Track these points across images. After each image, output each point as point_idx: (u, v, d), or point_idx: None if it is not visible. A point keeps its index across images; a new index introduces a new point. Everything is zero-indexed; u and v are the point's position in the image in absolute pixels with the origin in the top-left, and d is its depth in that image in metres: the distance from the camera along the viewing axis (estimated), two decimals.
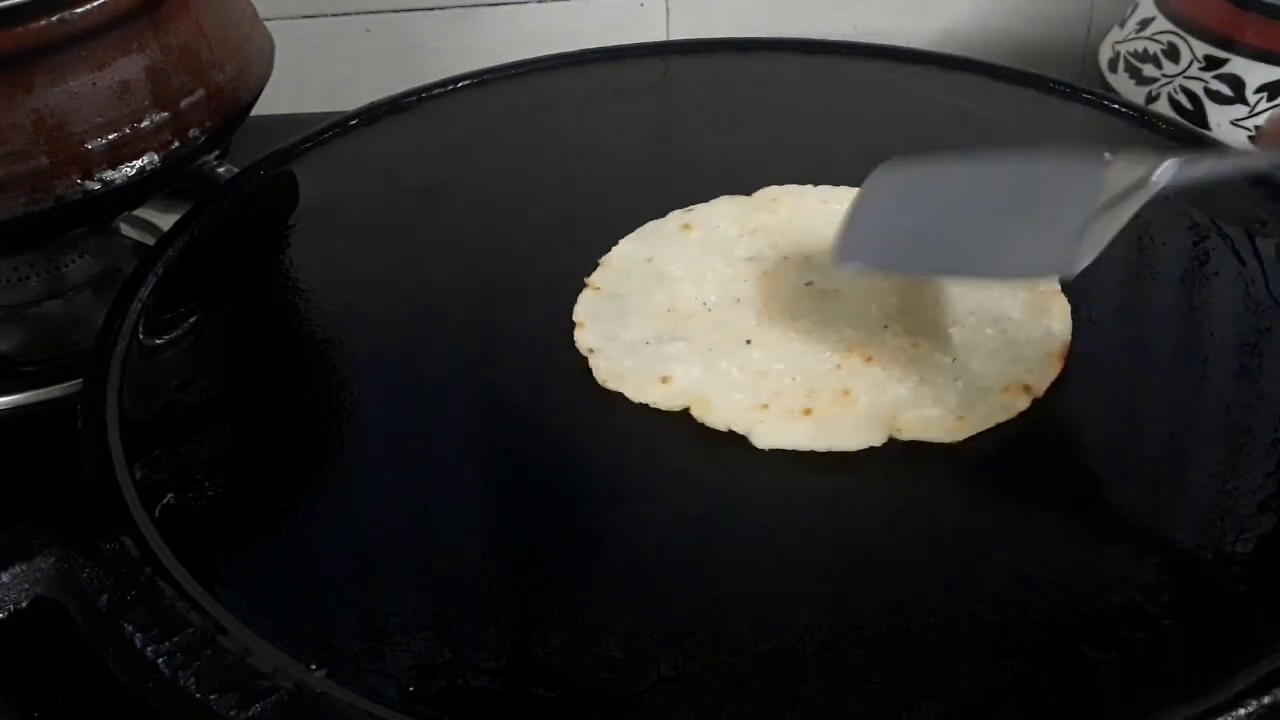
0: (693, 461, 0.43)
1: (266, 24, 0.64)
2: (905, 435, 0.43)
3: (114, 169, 0.53)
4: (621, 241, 0.53)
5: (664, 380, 0.45)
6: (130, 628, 0.36)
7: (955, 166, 0.47)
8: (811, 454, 0.43)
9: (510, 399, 0.46)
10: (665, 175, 0.61)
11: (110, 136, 0.53)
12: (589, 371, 0.47)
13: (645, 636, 0.37)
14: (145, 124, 0.54)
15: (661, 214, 0.55)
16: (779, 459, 0.43)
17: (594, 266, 0.52)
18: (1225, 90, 0.67)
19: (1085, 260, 0.41)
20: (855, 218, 0.47)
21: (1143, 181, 0.41)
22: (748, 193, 0.56)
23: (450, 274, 0.53)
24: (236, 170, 0.60)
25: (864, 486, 0.42)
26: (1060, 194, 0.43)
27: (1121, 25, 0.76)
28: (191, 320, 0.50)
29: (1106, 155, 0.44)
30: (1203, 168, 0.42)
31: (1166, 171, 0.41)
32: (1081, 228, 0.41)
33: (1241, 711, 0.33)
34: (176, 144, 0.55)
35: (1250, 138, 0.42)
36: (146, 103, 0.54)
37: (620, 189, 0.59)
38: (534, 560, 0.40)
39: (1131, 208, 0.41)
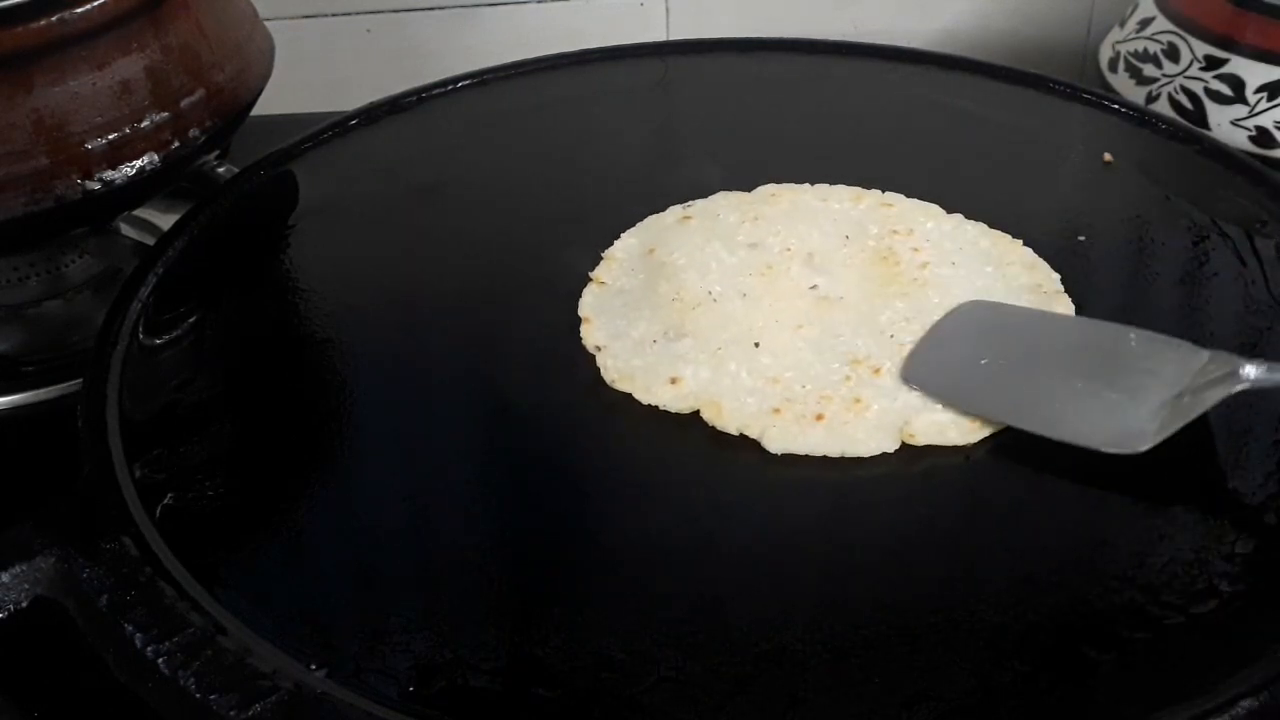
0: (698, 462, 0.44)
1: (266, 24, 0.63)
2: (920, 441, 0.43)
3: (114, 169, 0.53)
4: (623, 235, 0.53)
5: (673, 381, 0.45)
6: (130, 628, 0.36)
7: (1048, 316, 0.47)
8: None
9: (512, 398, 0.46)
10: (665, 175, 0.61)
11: (110, 136, 0.53)
12: (593, 369, 0.47)
13: (645, 636, 0.37)
14: (145, 124, 0.54)
15: (662, 211, 0.55)
16: (784, 459, 0.43)
17: (595, 264, 0.52)
18: (1225, 90, 0.67)
19: (1154, 440, 0.41)
20: (931, 342, 0.46)
21: (1229, 377, 0.41)
22: (746, 189, 0.56)
23: (451, 273, 0.53)
24: (236, 170, 0.60)
25: (865, 487, 0.42)
26: (1142, 372, 0.43)
27: (1121, 25, 0.76)
28: (191, 320, 0.50)
29: (1206, 352, 0.43)
30: None
31: (1253, 371, 0.41)
32: (1158, 410, 0.42)
33: (1241, 711, 0.33)
34: (176, 144, 0.55)
35: None
36: (146, 103, 0.54)
37: (620, 189, 0.59)
38: (534, 561, 0.40)
39: (1210, 400, 0.41)
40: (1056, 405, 0.43)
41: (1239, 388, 0.41)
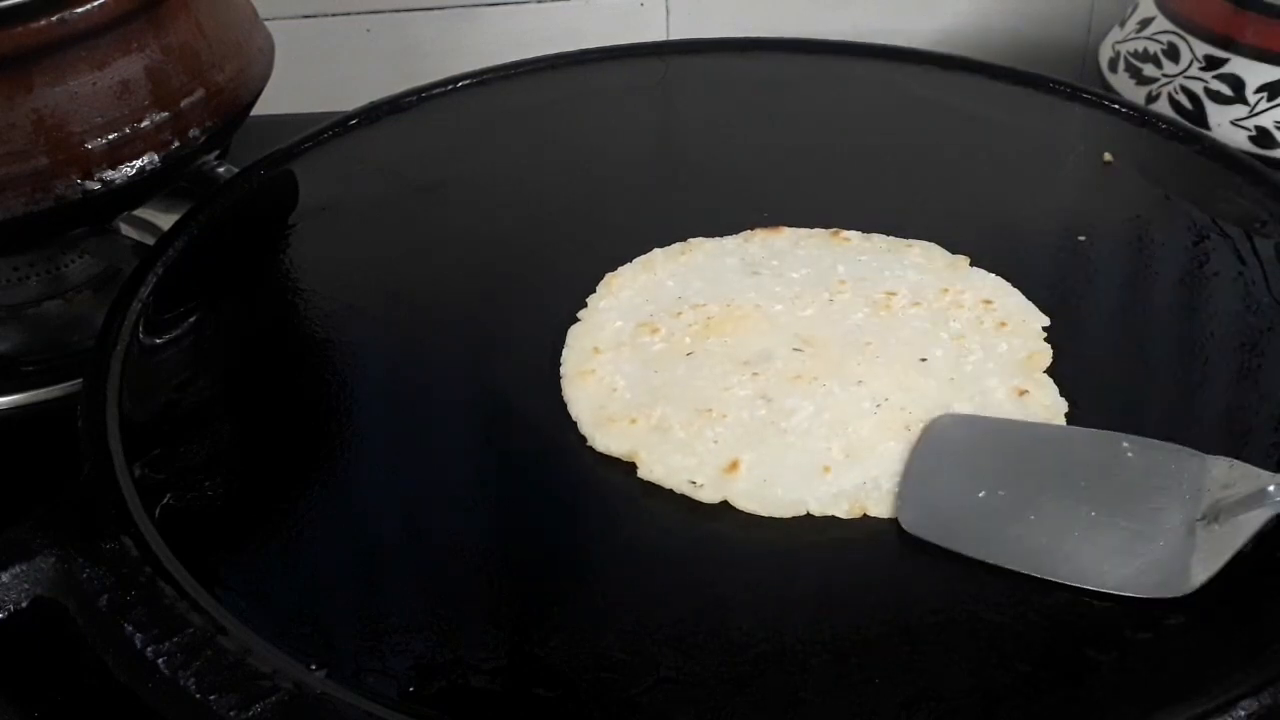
0: None
1: (266, 24, 0.63)
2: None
3: (114, 169, 0.53)
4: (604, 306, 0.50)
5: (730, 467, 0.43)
6: (130, 628, 0.36)
7: (1026, 431, 0.43)
8: None
9: (512, 398, 0.46)
10: (665, 175, 0.61)
11: (110, 136, 0.53)
12: None
13: (645, 636, 0.37)
14: (145, 124, 0.54)
15: (662, 211, 0.55)
16: None
17: (596, 264, 0.52)
18: (1225, 90, 0.67)
19: (1197, 582, 0.37)
20: (917, 475, 0.42)
21: (1259, 494, 0.38)
22: (746, 189, 0.56)
23: (450, 274, 0.53)
24: (236, 170, 0.60)
25: None
26: (1153, 490, 0.40)
27: (1121, 25, 0.76)
28: (191, 320, 0.50)
29: (1211, 459, 0.40)
30: None
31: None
32: (1185, 537, 0.38)
33: (1241, 711, 0.33)
34: (176, 144, 0.55)
35: None
36: (146, 103, 0.54)
37: (620, 189, 0.59)
38: (534, 560, 0.40)
39: (1246, 529, 0.37)
40: (1077, 546, 0.39)
41: (1273, 510, 0.37)
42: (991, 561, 0.39)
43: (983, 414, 0.44)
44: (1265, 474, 0.39)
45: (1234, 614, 0.37)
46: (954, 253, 0.52)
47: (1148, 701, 0.34)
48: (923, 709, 0.34)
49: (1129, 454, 0.41)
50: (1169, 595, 0.37)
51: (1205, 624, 0.37)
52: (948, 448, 0.43)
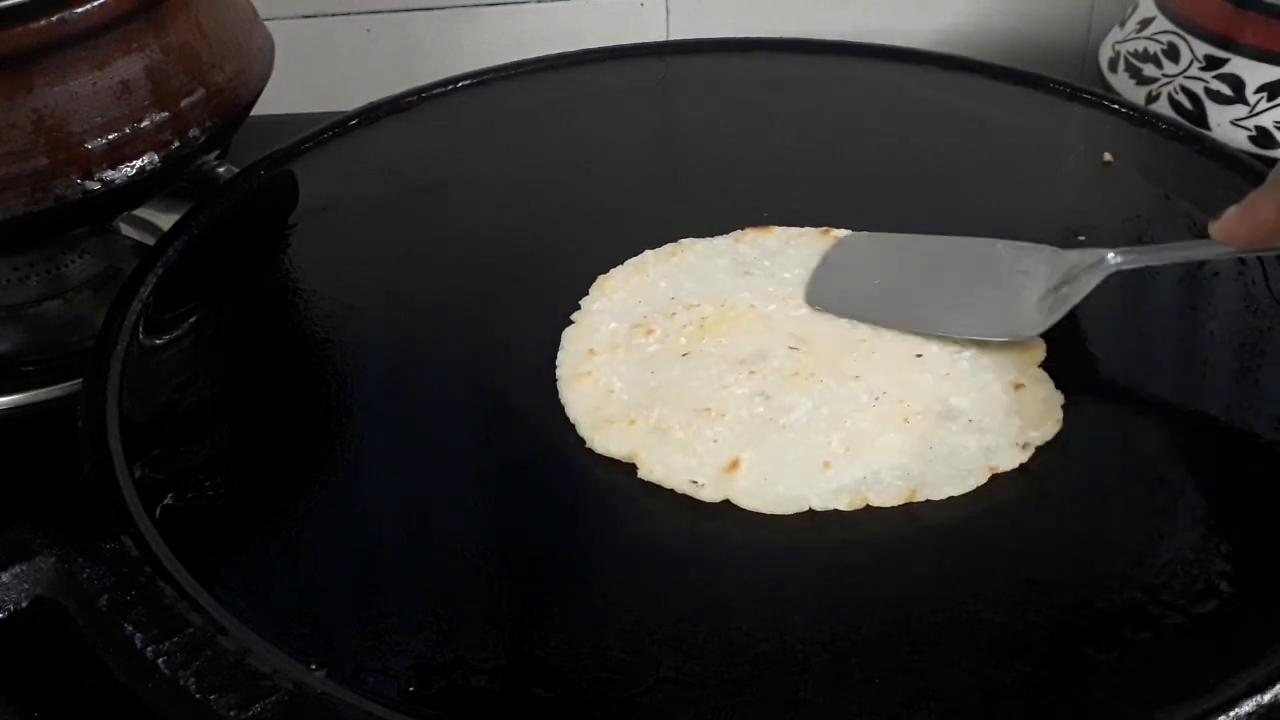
0: None
1: (266, 24, 0.63)
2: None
3: (114, 169, 0.53)
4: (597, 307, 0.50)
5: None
6: (130, 628, 0.36)
7: (921, 239, 0.52)
8: None
9: (511, 398, 0.46)
10: (665, 175, 0.61)
11: (110, 136, 0.53)
12: None
13: (645, 636, 0.37)
14: (145, 124, 0.54)
15: (662, 211, 0.55)
16: None
17: (596, 264, 0.52)
18: (1225, 90, 0.67)
19: (1041, 328, 0.46)
20: (825, 272, 0.51)
21: (1098, 264, 0.47)
22: (746, 189, 0.56)
23: (450, 274, 0.53)
24: (236, 170, 0.60)
25: None
26: (1018, 273, 0.49)
27: (1121, 25, 0.76)
28: (191, 320, 0.50)
29: (1062, 250, 0.49)
30: (1151, 257, 0.47)
31: (1118, 257, 0.47)
32: (1039, 303, 0.47)
33: (1241, 711, 0.33)
34: (176, 144, 0.55)
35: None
36: (146, 103, 0.54)
37: (620, 189, 0.59)
38: (534, 560, 0.40)
39: (1086, 286, 0.46)
40: (950, 309, 0.48)
41: (1107, 272, 0.46)
42: (883, 324, 0.47)
43: (980, 406, 0.44)
44: (1104, 251, 0.47)
45: (1234, 614, 0.37)
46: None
47: (1148, 701, 0.34)
48: (923, 709, 0.34)
49: (1002, 250, 0.50)
50: (1020, 338, 0.46)
51: (1205, 624, 0.37)
52: (854, 254, 0.52)
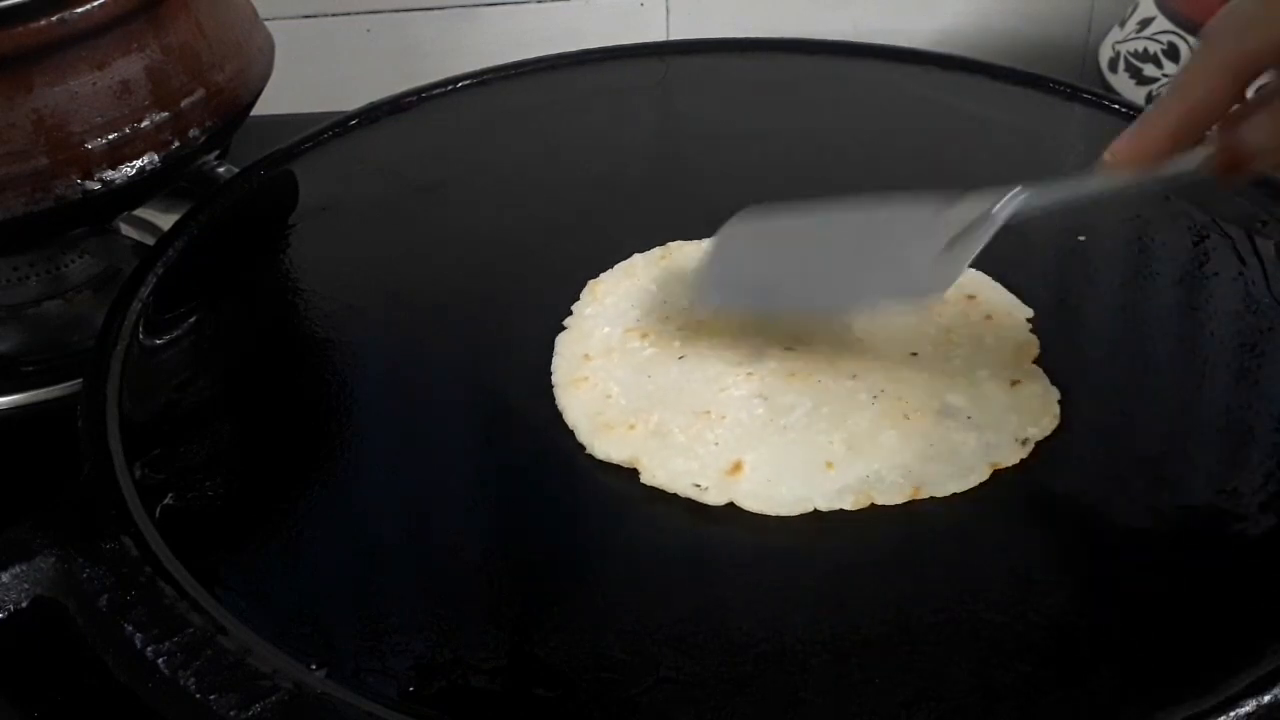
0: None
1: (266, 24, 0.64)
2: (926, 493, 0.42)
3: (114, 169, 0.53)
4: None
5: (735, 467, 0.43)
6: (130, 628, 0.36)
7: (805, 215, 0.49)
8: None
9: (512, 399, 0.46)
10: (665, 175, 0.61)
11: (110, 136, 0.53)
12: None
13: (645, 636, 0.37)
14: (145, 124, 0.54)
15: (663, 211, 0.55)
16: None
17: (597, 264, 0.52)
18: None
19: (942, 287, 0.45)
20: (715, 261, 0.49)
21: (986, 215, 0.44)
22: (747, 189, 0.56)
23: (450, 274, 0.53)
24: (236, 170, 0.60)
25: None
26: (907, 234, 0.46)
27: (1121, 25, 0.76)
28: (191, 320, 0.50)
29: (950, 201, 0.46)
30: (1042, 198, 0.43)
31: (1007, 206, 0.43)
32: (932, 260, 0.45)
33: (1241, 711, 0.33)
34: (176, 144, 0.55)
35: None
36: (146, 103, 0.54)
37: (620, 189, 0.59)
38: (534, 560, 0.40)
39: (982, 238, 0.43)
40: (846, 283, 0.47)
41: (999, 224, 0.43)
42: (787, 308, 0.47)
43: (978, 403, 0.44)
44: (992, 200, 0.44)
45: (1233, 614, 0.37)
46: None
47: (1148, 701, 0.34)
48: (923, 709, 0.34)
49: (889, 213, 0.47)
50: (921, 300, 0.47)
51: (1205, 624, 0.37)
52: (739, 237, 0.49)
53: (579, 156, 0.61)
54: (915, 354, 0.47)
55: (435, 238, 0.56)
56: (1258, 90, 0.39)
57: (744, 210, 0.50)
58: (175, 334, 0.50)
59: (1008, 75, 0.65)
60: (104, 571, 0.38)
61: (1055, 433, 0.43)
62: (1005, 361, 0.46)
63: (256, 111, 0.61)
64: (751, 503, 0.41)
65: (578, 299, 0.50)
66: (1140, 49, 0.72)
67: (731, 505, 0.41)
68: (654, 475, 0.42)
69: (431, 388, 0.47)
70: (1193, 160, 0.40)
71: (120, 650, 0.36)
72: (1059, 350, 0.47)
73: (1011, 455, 0.42)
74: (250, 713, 0.34)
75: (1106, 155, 0.41)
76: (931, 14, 0.88)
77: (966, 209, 0.45)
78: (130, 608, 0.36)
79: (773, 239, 0.49)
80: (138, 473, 0.42)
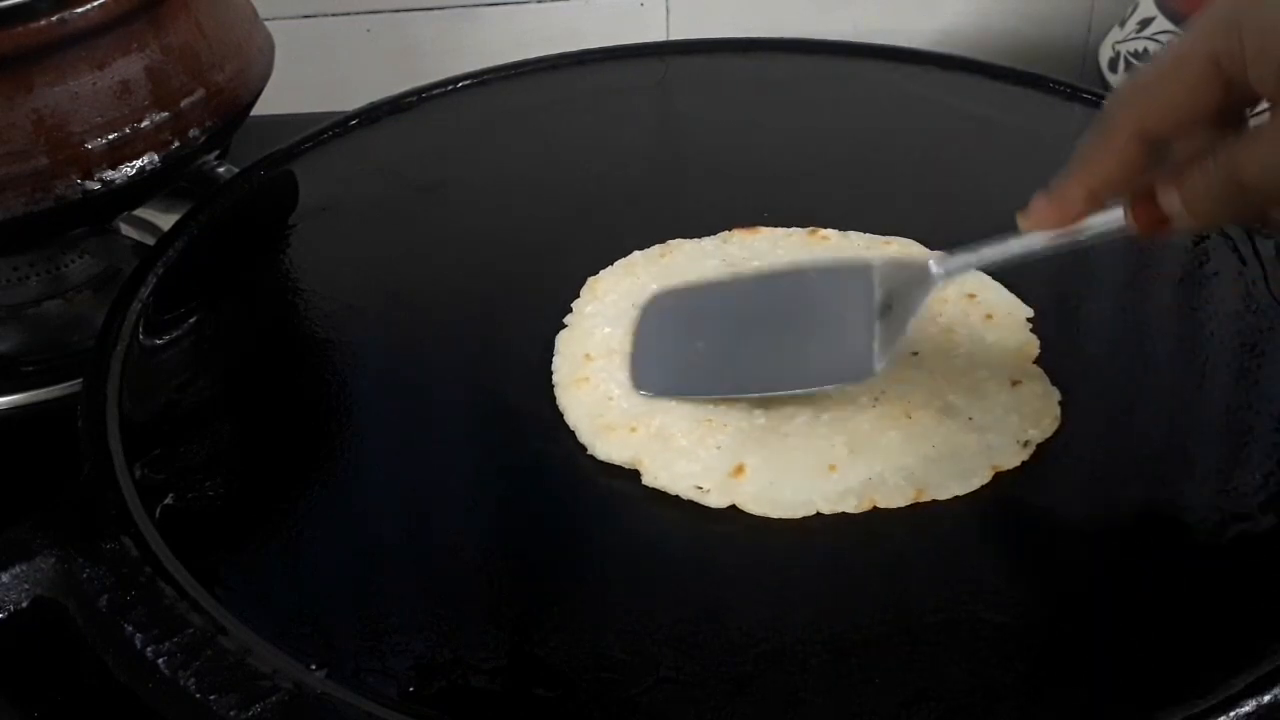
0: None
1: (266, 24, 0.64)
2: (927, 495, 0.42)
3: (114, 169, 0.53)
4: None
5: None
6: (130, 628, 0.36)
7: (727, 289, 0.48)
8: None
9: (512, 399, 0.46)
10: (665, 176, 0.61)
11: (110, 136, 0.53)
12: None
13: (645, 636, 0.37)
14: (145, 124, 0.54)
15: (662, 210, 0.55)
16: None
17: (597, 264, 0.52)
18: None
19: (880, 363, 0.43)
20: (642, 346, 0.47)
21: (923, 276, 0.43)
22: (747, 189, 0.56)
23: (450, 274, 0.53)
24: (236, 170, 0.60)
25: None
26: (838, 299, 0.45)
27: (1121, 25, 0.76)
28: (191, 320, 0.50)
29: (877, 261, 0.45)
30: (973, 259, 0.43)
31: (940, 267, 0.43)
32: (867, 328, 0.43)
33: (1241, 711, 0.33)
34: (176, 144, 0.55)
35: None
36: (146, 103, 0.54)
37: (620, 189, 0.59)
38: (534, 560, 0.40)
39: (920, 300, 0.43)
40: (780, 364, 0.45)
41: (935, 286, 0.43)
42: (718, 397, 0.44)
43: (979, 404, 0.44)
44: (922, 260, 0.43)
45: (1233, 614, 0.37)
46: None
47: (1148, 701, 0.34)
48: (923, 709, 0.34)
49: (813, 276, 0.47)
50: (858, 381, 0.43)
51: (1205, 624, 0.37)
52: (664, 318, 0.48)
53: (579, 156, 0.61)
54: (916, 353, 0.47)
55: (435, 238, 0.56)
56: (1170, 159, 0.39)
57: (659, 292, 0.49)
58: (175, 334, 0.50)
59: (1008, 75, 0.65)
60: (104, 571, 0.38)
61: (1055, 434, 0.43)
62: (1006, 361, 0.46)
63: (256, 111, 0.61)
64: (754, 505, 0.41)
65: (578, 297, 0.50)
66: (1140, 49, 0.72)
67: (733, 507, 0.41)
68: (656, 477, 0.42)
69: (431, 388, 0.47)
70: (1113, 220, 0.40)
71: (120, 650, 0.36)
72: (1059, 350, 0.47)
73: (1013, 457, 0.42)
74: (250, 713, 0.34)
75: (1023, 222, 0.41)
76: (931, 14, 0.88)
77: (896, 269, 0.44)
78: (130, 608, 0.36)
79: (698, 320, 0.48)
80: (138, 473, 0.42)
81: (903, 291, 0.43)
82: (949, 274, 0.43)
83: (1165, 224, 0.39)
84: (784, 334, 0.46)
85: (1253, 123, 0.37)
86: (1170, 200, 0.38)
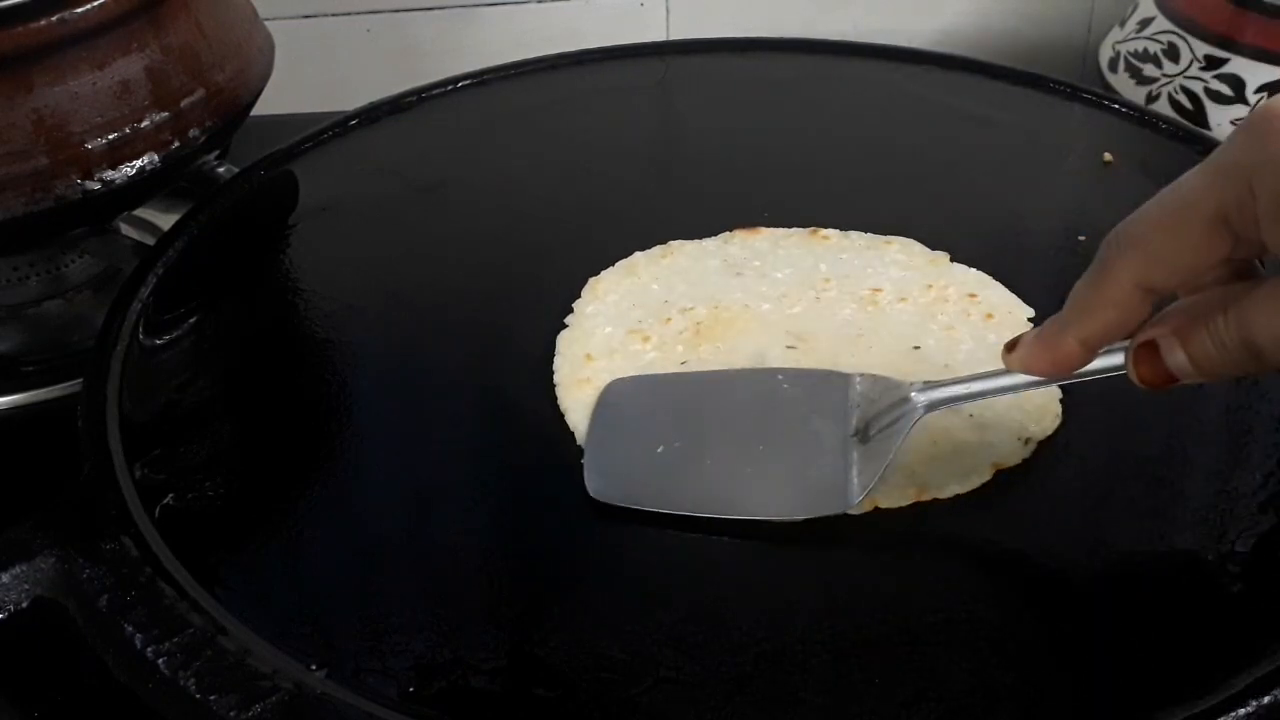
0: None
1: (266, 24, 0.63)
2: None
3: (114, 169, 0.53)
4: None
5: None
6: (130, 628, 0.36)
7: (692, 382, 0.45)
8: None
9: (511, 397, 0.46)
10: (665, 176, 0.61)
11: (110, 136, 0.53)
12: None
13: (645, 636, 0.37)
14: (145, 124, 0.54)
15: (662, 211, 0.55)
16: None
17: (597, 264, 0.52)
18: (1225, 90, 0.67)
19: (856, 496, 0.40)
20: (597, 440, 0.43)
21: (903, 406, 0.40)
22: (747, 189, 0.56)
23: (450, 274, 0.53)
24: (236, 170, 0.60)
25: None
26: (811, 414, 0.42)
27: (1121, 25, 0.76)
28: (191, 320, 0.50)
29: (855, 376, 0.43)
30: (959, 392, 0.40)
31: (922, 397, 0.40)
32: (845, 458, 0.41)
33: (1241, 711, 0.33)
34: (176, 144, 0.55)
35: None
36: (146, 103, 0.54)
37: (620, 189, 0.59)
38: (534, 561, 0.40)
39: (902, 432, 0.40)
40: (748, 483, 0.41)
41: (917, 417, 0.40)
42: (673, 512, 0.40)
43: (981, 401, 0.44)
44: (903, 383, 0.41)
45: (1234, 614, 0.37)
46: (955, 253, 0.52)
47: (1148, 701, 0.34)
48: (923, 709, 0.34)
49: (784, 385, 0.44)
50: (832, 513, 0.40)
51: (1205, 624, 0.37)
52: (622, 411, 0.44)
53: (579, 156, 0.61)
54: (918, 348, 0.47)
55: (435, 238, 0.56)
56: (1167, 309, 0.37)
57: (618, 381, 0.46)
58: (175, 334, 0.50)
59: (1008, 75, 0.65)
60: (104, 571, 0.38)
61: (1056, 432, 0.43)
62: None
63: (256, 111, 0.61)
64: None
65: (579, 297, 0.50)
66: (1140, 49, 0.72)
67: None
68: None
69: (431, 388, 0.47)
70: (1111, 366, 0.38)
71: (120, 650, 0.36)
72: None
73: (1014, 455, 0.42)
74: (250, 713, 0.34)
75: (1010, 362, 0.38)
76: (931, 14, 0.88)
77: (874, 387, 0.42)
78: (130, 608, 0.36)
79: (660, 419, 0.44)
80: (138, 473, 0.42)
81: (883, 420, 0.41)
82: (931, 406, 0.40)
83: (1172, 381, 0.36)
84: (751, 447, 0.42)
85: (1265, 285, 0.34)
86: (1176, 359, 0.36)
